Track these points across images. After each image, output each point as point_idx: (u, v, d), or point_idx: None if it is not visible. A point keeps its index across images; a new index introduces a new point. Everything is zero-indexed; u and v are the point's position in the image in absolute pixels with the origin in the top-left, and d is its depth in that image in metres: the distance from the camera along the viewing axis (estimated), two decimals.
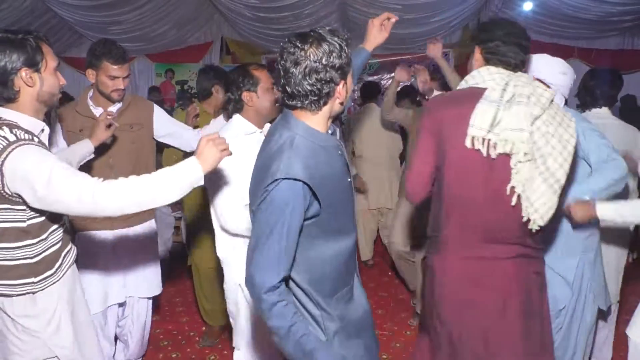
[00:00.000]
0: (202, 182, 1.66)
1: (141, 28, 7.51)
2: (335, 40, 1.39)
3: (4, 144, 1.55)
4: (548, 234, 2.11)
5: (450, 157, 1.76)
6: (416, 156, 1.88)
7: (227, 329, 3.45)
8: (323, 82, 1.38)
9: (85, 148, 2.34)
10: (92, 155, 2.38)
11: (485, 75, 1.80)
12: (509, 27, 1.85)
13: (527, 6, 6.65)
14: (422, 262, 3.38)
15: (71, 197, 1.55)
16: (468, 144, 1.70)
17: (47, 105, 1.77)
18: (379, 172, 4.47)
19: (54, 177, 1.53)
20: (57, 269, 1.77)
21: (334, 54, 1.37)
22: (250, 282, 1.35)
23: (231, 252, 2.19)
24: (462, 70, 7.19)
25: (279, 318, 1.34)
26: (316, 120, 1.45)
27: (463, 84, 1.90)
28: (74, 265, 1.93)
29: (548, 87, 1.92)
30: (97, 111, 2.48)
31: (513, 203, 1.70)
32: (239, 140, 2.05)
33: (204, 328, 3.60)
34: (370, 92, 4.91)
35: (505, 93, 1.72)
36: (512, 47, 1.81)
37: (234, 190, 2.06)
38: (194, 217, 3.30)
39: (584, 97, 2.74)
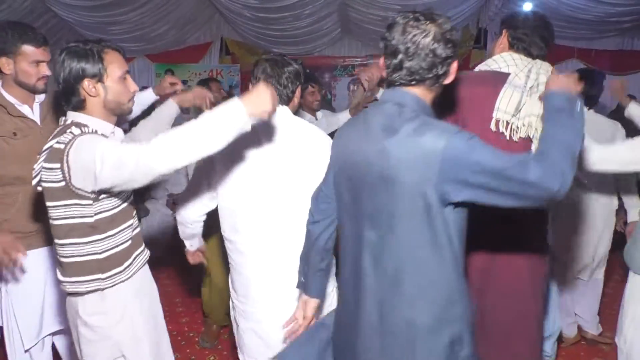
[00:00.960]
0: (248, 128, 1.54)
1: (141, 28, 7.49)
2: (444, 18, 1.43)
3: (70, 138, 1.61)
4: None
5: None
6: None
7: (227, 329, 3.45)
8: (445, 58, 1.38)
9: (169, 109, 2.35)
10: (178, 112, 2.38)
11: (508, 61, 1.87)
12: (540, 20, 1.98)
13: (527, 6, 6.63)
14: None
15: (119, 166, 1.52)
16: (492, 126, 1.75)
17: (116, 113, 1.79)
18: None
19: (105, 154, 1.54)
20: (125, 268, 1.79)
21: (452, 31, 1.41)
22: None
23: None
24: (462, 69, 7.33)
25: None
26: (429, 100, 1.47)
27: (483, 67, 1.96)
28: (146, 267, 1.95)
29: None
30: (24, 109, 2.24)
31: None
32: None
33: (203, 329, 3.60)
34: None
35: (529, 80, 1.78)
36: (537, 38, 1.93)
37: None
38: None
39: None
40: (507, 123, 1.74)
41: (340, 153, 1.59)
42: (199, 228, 2.23)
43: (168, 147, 1.51)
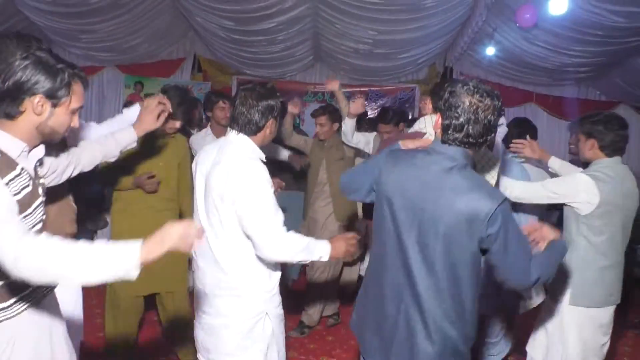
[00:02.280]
0: (133, 277, 1.43)
1: (114, 39, 7.46)
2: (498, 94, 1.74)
3: None
4: None
5: None
6: None
7: None
8: (496, 127, 1.72)
9: (127, 137, 2.19)
10: (134, 145, 2.26)
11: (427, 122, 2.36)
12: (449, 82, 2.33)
13: (490, 51, 6.97)
14: None
15: None
16: None
17: (44, 139, 1.65)
18: None
19: None
20: (11, 305, 1.61)
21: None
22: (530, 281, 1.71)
23: (252, 280, 2.16)
24: None
25: None
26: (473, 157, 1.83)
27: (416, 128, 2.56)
28: (41, 309, 1.73)
29: None
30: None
31: None
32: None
33: None
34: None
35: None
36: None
37: (273, 215, 2.05)
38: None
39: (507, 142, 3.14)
40: None
41: (397, 189, 1.81)
42: None
43: (45, 263, 1.39)
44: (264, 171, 2.09)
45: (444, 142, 1.75)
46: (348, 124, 3.87)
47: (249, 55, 7.70)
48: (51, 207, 2.13)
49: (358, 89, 8.58)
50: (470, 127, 1.67)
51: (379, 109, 8.65)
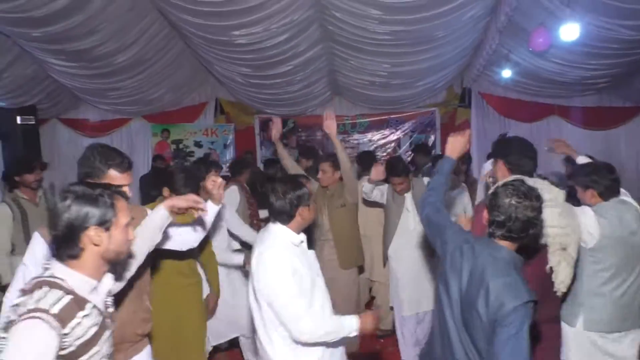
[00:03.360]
0: None
1: (138, 93, 7.78)
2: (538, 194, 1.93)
3: (24, 311, 1.46)
4: None
5: None
6: None
7: None
8: (537, 223, 1.91)
9: (160, 218, 2.16)
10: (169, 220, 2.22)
11: None
12: (522, 143, 2.56)
13: (506, 73, 7.01)
14: None
15: None
16: None
17: (111, 263, 1.69)
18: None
19: None
20: None
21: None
22: None
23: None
24: (448, 127, 7.56)
25: None
26: (515, 249, 1.96)
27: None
28: None
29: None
30: None
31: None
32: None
33: None
34: (368, 163, 4.89)
35: None
36: (526, 159, 2.48)
37: (305, 298, 2.16)
38: None
39: None
40: None
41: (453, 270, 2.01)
42: None
43: None
44: (292, 260, 2.20)
45: (490, 236, 1.96)
46: (368, 187, 4.03)
47: (269, 96, 7.92)
48: (122, 307, 2.20)
49: (377, 118, 8.73)
50: (510, 224, 1.86)
51: (401, 135, 8.76)
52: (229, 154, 8.94)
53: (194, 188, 2.96)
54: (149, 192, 5.97)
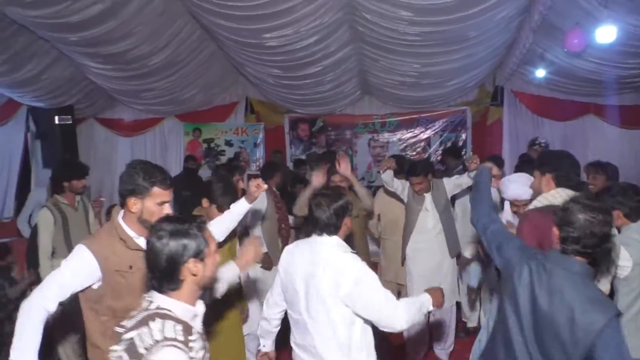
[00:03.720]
0: None
1: (171, 93, 7.92)
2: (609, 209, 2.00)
3: (151, 342, 1.56)
4: None
5: None
6: None
7: None
8: (609, 237, 1.97)
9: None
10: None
11: (563, 195, 2.42)
12: (571, 158, 2.64)
13: (540, 73, 6.87)
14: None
15: None
16: None
17: (204, 289, 1.81)
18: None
19: None
20: None
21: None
22: None
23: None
24: (479, 126, 7.41)
25: None
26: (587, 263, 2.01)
27: (541, 201, 2.60)
28: None
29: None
30: (141, 241, 2.22)
31: None
32: None
33: None
34: (400, 166, 4.94)
35: None
36: (573, 175, 2.59)
37: (385, 294, 2.29)
38: None
39: None
40: None
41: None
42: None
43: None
44: (358, 259, 2.35)
45: (563, 252, 1.98)
46: (389, 175, 4.15)
47: (299, 96, 7.95)
48: None
49: (407, 117, 8.67)
50: (585, 239, 1.90)
51: (431, 134, 8.68)
52: (259, 153, 9.04)
53: (231, 198, 3.03)
54: (180, 193, 6.09)
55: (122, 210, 2.26)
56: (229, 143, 9.03)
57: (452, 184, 4.22)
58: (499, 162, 5.37)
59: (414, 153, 8.77)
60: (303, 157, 8.71)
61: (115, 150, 9.08)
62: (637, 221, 2.74)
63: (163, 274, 1.67)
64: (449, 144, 8.60)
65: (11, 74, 6.53)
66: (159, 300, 1.67)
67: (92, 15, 5.46)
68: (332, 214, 2.36)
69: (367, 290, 2.27)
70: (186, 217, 1.79)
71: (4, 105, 7.72)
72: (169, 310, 1.65)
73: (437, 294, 2.42)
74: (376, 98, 8.54)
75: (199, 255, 1.69)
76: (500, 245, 2.22)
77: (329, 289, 2.29)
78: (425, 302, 2.36)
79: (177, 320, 1.64)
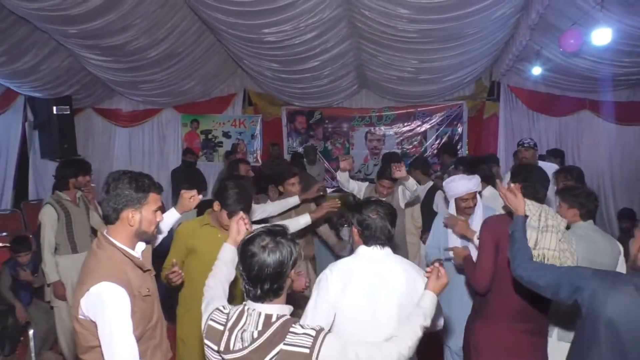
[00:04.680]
0: None
1: (169, 85, 7.93)
2: None
3: (311, 339, 1.63)
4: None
5: (502, 257, 2.58)
6: (483, 257, 2.71)
7: None
8: None
9: (230, 252, 2.22)
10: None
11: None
12: (542, 173, 2.79)
13: (536, 70, 6.92)
14: None
15: None
16: None
17: None
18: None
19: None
20: None
21: None
22: None
23: None
24: (475, 120, 7.47)
25: None
26: None
27: (505, 209, 2.74)
28: None
29: None
30: (145, 261, 2.15)
31: None
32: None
33: None
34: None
35: (540, 221, 2.55)
36: (541, 187, 2.71)
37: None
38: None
39: None
40: None
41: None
42: None
43: None
44: None
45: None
46: (343, 176, 4.33)
47: (297, 90, 7.99)
48: None
49: (404, 111, 8.73)
50: None
51: (428, 128, 8.75)
52: (256, 145, 9.09)
53: (246, 205, 2.89)
54: (179, 185, 6.15)
55: (105, 232, 2.04)
56: (226, 135, 9.07)
57: (401, 192, 4.26)
58: (495, 160, 5.47)
59: (410, 146, 8.84)
60: (300, 149, 8.77)
61: (113, 141, 9.12)
62: (586, 221, 3.02)
63: (272, 278, 1.71)
64: (445, 138, 8.69)
65: (10, 65, 6.54)
66: (263, 308, 1.72)
67: (91, 7, 5.45)
68: (389, 220, 2.31)
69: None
70: (279, 227, 1.82)
71: (1, 95, 7.72)
72: (284, 315, 1.72)
73: (441, 282, 2.05)
74: (373, 92, 8.58)
75: (294, 264, 1.76)
76: (558, 284, 2.09)
77: (403, 298, 2.27)
78: (432, 298, 2.05)
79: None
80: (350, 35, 6.48)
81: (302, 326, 1.66)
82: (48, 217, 3.96)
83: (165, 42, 6.66)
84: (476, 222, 3.28)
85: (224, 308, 1.82)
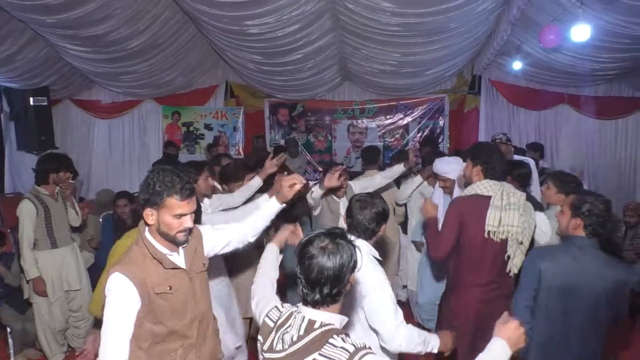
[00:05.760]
0: None
1: (150, 76, 7.81)
2: None
3: (347, 355, 1.54)
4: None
5: (469, 234, 2.84)
6: (446, 230, 2.89)
7: None
8: None
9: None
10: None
11: (487, 186, 2.88)
12: (499, 153, 2.99)
13: (517, 65, 7.00)
14: None
15: None
16: (486, 235, 2.81)
17: None
18: None
19: None
20: None
21: None
22: None
23: None
24: (456, 113, 7.54)
25: None
26: None
27: (469, 190, 2.94)
28: None
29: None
30: (175, 259, 2.12)
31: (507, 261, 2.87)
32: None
33: None
34: (372, 157, 5.01)
35: (503, 200, 2.82)
36: (500, 168, 2.91)
37: (394, 312, 2.25)
38: None
39: None
40: (495, 232, 2.81)
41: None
42: None
43: None
44: (381, 270, 2.34)
45: None
46: (317, 193, 3.83)
47: (279, 82, 7.95)
48: None
49: (386, 104, 8.76)
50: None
51: (410, 121, 8.79)
52: (238, 137, 9.03)
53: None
54: None
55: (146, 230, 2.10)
56: (208, 127, 9.00)
57: (359, 186, 4.11)
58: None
59: (392, 139, 8.89)
60: (282, 142, 8.75)
61: (92, 132, 8.96)
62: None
63: (334, 283, 1.63)
64: (427, 131, 8.75)
65: None
66: (313, 314, 1.66)
67: None
68: (372, 218, 2.40)
69: (375, 300, 2.25)
70: (340, 231, 1.73)
71: None
72: (332, 324, 1.65)
73: (447, 338, 2.34)
74: (356, 85, 8.59)
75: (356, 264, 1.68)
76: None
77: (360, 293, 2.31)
78: (432, 340, 2.29)
79: (346, 334, 1.63)
80: (333, 28, 6.46)
81: (343, 339, 1.58)
82: (27, 212, 3.89)
83: (146, 33, 6.55)
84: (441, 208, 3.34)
85: (282, 307, 1.81)
